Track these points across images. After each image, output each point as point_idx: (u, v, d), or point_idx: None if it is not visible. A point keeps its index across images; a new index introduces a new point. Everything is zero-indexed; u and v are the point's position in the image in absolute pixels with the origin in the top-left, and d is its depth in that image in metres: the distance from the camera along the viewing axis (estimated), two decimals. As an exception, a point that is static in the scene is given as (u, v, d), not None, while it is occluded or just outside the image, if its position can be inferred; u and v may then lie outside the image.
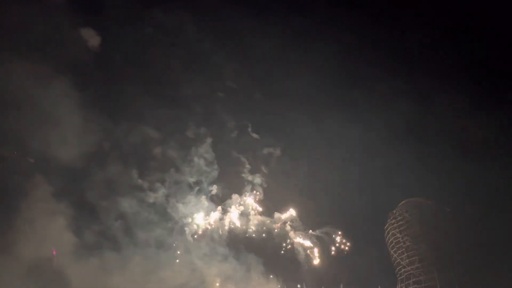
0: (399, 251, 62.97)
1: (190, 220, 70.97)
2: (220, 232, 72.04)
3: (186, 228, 70.24)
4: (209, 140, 72.38)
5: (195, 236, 70.66)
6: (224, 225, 72.51)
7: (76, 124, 61.90)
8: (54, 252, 57.34)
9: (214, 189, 72.52)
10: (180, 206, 70.68)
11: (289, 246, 72.43)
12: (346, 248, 69.93)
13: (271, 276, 68.88)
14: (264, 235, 72.74)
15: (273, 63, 76.75)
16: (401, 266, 62.51)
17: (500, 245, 54.67)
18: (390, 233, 64.96)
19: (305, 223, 73.75)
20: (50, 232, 59.82)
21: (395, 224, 64.51)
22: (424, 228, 61.38)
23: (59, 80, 60.34)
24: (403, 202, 65.23)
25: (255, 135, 75.04)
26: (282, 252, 71.79)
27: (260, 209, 74.42)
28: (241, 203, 74.24)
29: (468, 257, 56.99)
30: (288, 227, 73.91)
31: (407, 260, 61.64)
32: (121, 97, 70.62)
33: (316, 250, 71.44)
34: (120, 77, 69.13)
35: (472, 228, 57.79)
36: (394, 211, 65.47)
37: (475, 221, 57.78)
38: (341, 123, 71.54)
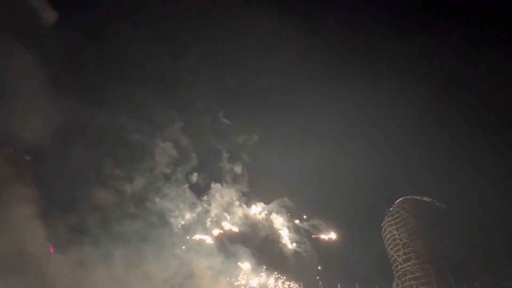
0: (396, 248, 63.69)
1: (173, 212, 66.69)
2: (208, 224, 68.72)
3: (170, 221, 65.94)
4: (189, 131, 69.13)
5: (180, 227, 66.62)
6: (208, 217, 69.26)
7: (38, 105, 55.62)
8: (52, 250, 49.80)
9: (195, 177, 68.92)
10: (163, 198, 66.27)
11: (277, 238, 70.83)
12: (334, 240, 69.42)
13: (264, 268, 66.60)
14: (249, 227, 70.44)
15: (256, 41, 74.26)
16: (397, 263, 63.08)
17: (495, 241, 56.78)
18: (387, 230, 65.59)
19: (292, 214, 72.52)
20: (20, 225, 52.61)
21: (392, 222, 65.27)
22: (420, 225, 62.61)
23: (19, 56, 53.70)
24: (400, 199, 66.04)
25: (238, 122, 73.47)
26: (269, 244, 70.15)
27: (243, 202, 72.10)
28: (224, 194, 71.14)
29: (463, 253, 58.77)
30: (273, 217, 71.98)
31: (403, 257, 62.37)
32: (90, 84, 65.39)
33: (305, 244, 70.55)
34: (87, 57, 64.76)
35: (467, 224, 59.76)
36: (391, 208, 66.26)
37: (470, 218, 59.82)
38: (335, 112, 71.88)
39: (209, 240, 67.63)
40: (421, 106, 69.62)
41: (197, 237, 67.16)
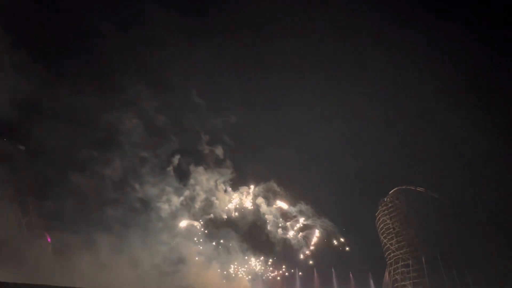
0: (389, 237, 65.20)
1: (160, 198, 64.51)
2: (196, 207, 67.29)
3: (156, 206, 63.73)
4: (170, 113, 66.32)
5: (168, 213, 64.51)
6: (196, 202, 67.59)
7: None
8: (49, 240, 46.16)
9: (176, 159, 66.40)
10: (146, 183, 63.68)
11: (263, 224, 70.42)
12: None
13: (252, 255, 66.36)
14: (235, 212, 69.56)
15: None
16: (390, 251, 64.78)
17: (485, 231, 59.13)
18: (381, 220, 66.83)
19: (280, 199, 71.68)
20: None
21: (386, 211, 66.47)
22: (413, 214, 64.07)
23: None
24: (394, 189, 67.19)
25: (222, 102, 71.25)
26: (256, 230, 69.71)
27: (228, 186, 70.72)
28: (209, 178, 69.34)
29: (454, 242, 61.08)
30: (259, 200, 71.30)
31: (396, 245, 64.01)
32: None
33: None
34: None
35: (458, 214, 61.86)
36: (386, 198, 67.36)
37: (461, 208, 61.85)
38: (327, 98, 71.68)
39: (195, 225, 66.77)
40: (415, 98, 70.65)
41: (183, 223, 65.85)
